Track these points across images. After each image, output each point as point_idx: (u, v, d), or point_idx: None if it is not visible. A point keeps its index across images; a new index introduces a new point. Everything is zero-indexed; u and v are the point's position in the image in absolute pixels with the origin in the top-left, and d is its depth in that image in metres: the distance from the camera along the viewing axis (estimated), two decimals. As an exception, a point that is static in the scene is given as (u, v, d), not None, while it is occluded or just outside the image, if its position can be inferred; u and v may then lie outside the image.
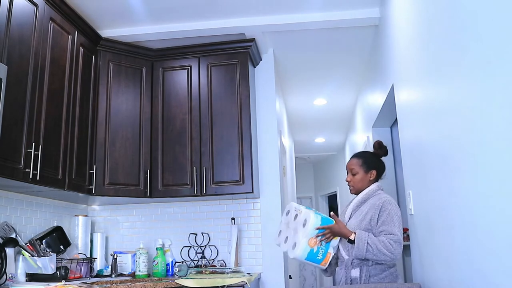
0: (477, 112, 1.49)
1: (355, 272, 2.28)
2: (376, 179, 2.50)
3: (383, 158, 2.59)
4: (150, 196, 3.19)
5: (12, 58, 2.20)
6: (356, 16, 3.23)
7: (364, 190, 2.45)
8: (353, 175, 2.49)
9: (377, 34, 3.39)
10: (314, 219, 2.30)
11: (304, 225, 2.32)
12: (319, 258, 2.33)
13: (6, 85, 2.10)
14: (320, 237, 2.31)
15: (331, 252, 2.34)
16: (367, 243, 2.21)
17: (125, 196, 3.10)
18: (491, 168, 1.40)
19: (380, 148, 2.59)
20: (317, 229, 2.30)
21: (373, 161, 2.52)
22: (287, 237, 2.43)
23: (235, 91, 3.27)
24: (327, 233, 2.31)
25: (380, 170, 2.52)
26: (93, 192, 2.94)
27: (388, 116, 3.61)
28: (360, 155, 2.57)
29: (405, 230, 3.73)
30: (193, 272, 2.91)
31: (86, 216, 3.25)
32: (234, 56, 3.33)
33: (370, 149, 4.22)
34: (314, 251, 2.31)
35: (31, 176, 2.28)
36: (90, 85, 3.04)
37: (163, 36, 3.38)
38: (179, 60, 3.39)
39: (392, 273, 2.29)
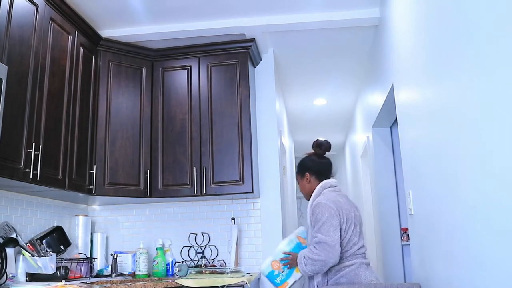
0: (476, 112, 1.49)
1: (312, 284, 2.31)
2: (319, 179, 2.45)
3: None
4: (150, 196, 3.19)
5: (12, 58, 2.20)
6: (356, 16, 3.23)
7: (312, 196, 2.41)
8: (298, 184, 2.53)
9: (377, 34, 3.39)
10: (284, 243, 2.36)
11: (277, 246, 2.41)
12: (277, 281, 2.38)
13: (6, 85, 2.10)
14: (283, 262, 2.36)
15: (289, 282, 2.37)
16: (303, 257, 2.23)
17: (125, 196, 3.11)
18: (491, 168, 1.40)
19: (318, 146, 2.54)
20: (284, 253, 2.37)
21: (303, 164, 2.51)
22: None
23: (235, 91, 3.27)
24: (289, 259, 2.35)
25: (316, 169, 2.47)
26: (93, 192, 2.95)
27: (388, 116, 3.62)
28: (297, 164, 2.55)
29: (405, 230, 3.75)
30: (193, 272, 2.92)
31: (86, 216, 3.25)
32: (234, 56, 3.33)
33: (369, 148, 4.23)
34: (275, 273, 2.37)
35: (31, 176, 2.28)
36: (90, 85, 3.04)
37: (163, 36, 3.38)
38: (179, 60, 3.39)
39: (352, 270, 2.23)
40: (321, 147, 2.53)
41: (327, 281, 2.26)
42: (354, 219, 2.32)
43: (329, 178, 2.48)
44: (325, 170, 2.49)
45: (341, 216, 2.25)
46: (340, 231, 2.24)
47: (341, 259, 2.24)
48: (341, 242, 2.23)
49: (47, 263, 2.48)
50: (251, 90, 3.38)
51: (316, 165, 2.49)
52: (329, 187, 2.41)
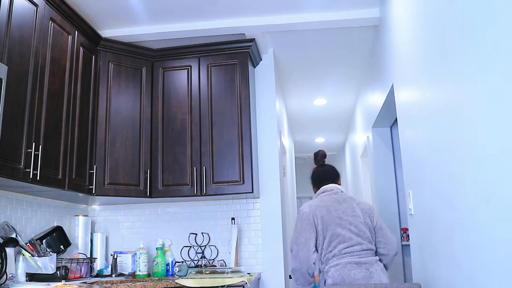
0: (476, 112, 1.49)
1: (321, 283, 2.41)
2: (317, 187, 2.59)
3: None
4: (150, 196, 3.19)
5: (12, 58, 2.20)
6: (356, 16, 3.23)
7: None
8: None
9: (377, 34, 3.39)
10: None
11: None
12: None
13: (6, 85, 2.10)
14: None
15: None
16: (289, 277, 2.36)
17: (125, 196, 3.11)
18: (491, 168, 1.40)
19: (314, 158, 2.73)
20: None
21: (311, 179, 2.67)
22: None
23: (235, 91, 3.27)
24: None
25: (313, 180, 2.65)
26: (93, 192, 2.95)
27: (388, 116, 3.62)
28: None
29: (405, 230, 3.75)
30: (193, 272, 2.92)
31: (86, 216, 3.25)
32: (234, 56, 3.33)
33: (369, 148, 4.23)
34: None
35: (31, 176, 2.28)
36: (90, 85, 3.04)
37: (163, 36, 3.38)
38: (179, 60, 3.39)
39: (337, 270, 2.25)
40: (317, 157, 2.72)
41: (325, 282, 2.30)
42: (337, 219, 2.31)
43: (328, 183, 2.55)
44: (319, 178, 2.61)
45: (315, 218, 2.32)
46: (317, 233, 2.31)
47: (327, 260, 2.26)
48: (322, 244, 2.29)
49: (47, 263, 2.48)
50: (251, 90, 3.38)
51: (313, 176, 2.66)
52: (322, 193, 2.50)
